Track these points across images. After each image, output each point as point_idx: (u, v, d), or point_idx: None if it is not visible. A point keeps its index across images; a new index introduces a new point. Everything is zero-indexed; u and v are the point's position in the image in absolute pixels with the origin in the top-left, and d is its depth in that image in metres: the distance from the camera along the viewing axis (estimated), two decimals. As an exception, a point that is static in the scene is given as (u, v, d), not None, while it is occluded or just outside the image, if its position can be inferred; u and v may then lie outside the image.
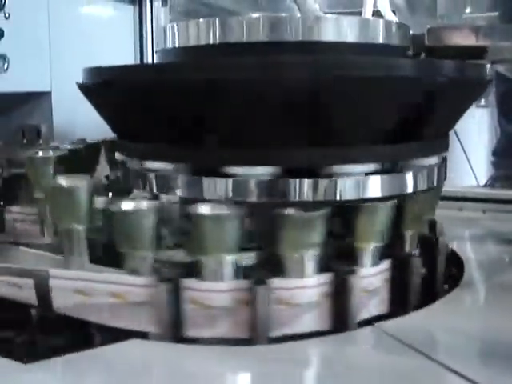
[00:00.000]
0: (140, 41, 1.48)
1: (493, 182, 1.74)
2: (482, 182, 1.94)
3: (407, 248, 0.67)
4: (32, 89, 1.33)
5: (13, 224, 0.86)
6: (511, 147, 1.81)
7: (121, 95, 0.65)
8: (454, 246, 0.87)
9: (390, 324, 0.62)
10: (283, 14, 0.65)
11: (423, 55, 0.83)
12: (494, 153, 1.93)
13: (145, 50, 1.48)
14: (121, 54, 1.49)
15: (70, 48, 1.33)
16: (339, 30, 0.64)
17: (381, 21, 0.70)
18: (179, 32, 0.70)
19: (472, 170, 2.19)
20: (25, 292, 0.65)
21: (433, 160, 0.69)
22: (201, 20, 0.67)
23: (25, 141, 1.16)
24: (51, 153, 0.84)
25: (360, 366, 0.55)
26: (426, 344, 0.57)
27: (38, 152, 0.87)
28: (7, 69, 1.26)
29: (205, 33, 0.67)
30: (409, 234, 0.67)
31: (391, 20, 0.89)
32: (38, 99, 1.37)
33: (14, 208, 0.86)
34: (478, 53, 0.82)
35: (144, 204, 0.60)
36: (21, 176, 0.92)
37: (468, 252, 0.91)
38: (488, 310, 0.69)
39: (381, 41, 0.67)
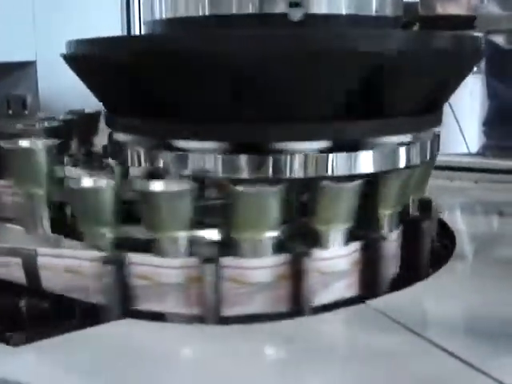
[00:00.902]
0: (127, 12, 1.44)
1: (484, 151, 1.73)
2: (474, 150, 1.93)
3: (384, 229, 0.64)
4: (16, 59, 1.30)
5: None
6: (500, 117, 1.80)
7: (106, 69, 0.64)
8: (445, 216, 0.87)
9: (381, 301, 0.61)
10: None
11: (417, 25, 0.82)
12: (485, 123, 1.92)
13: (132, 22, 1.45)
14: (108, 23, 1.46)
15: (56, 17, 1.30)
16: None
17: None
18: (167, 3, 0.68)
19: (464, 138, 2.19)
20: (13, 271, 0.65)
21: (402, 138, 0.66)
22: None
23: (10, 111, 1.15)
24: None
25: (348, 343, 0.55)
26: (416, 321, 0.57)
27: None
28: (-10, 39, 1.23)
29: (193, 4, 0.65)
30: (384, 215, 0.64)
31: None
32: (22, 69, 1.34)
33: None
34: (470, 22, 0.80)
35: (103, 182, 0.59)
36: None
37: (459, 224, 0.90)
38: (480, 285, 0.69)
39: (373, 12, 0.65)
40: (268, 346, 0.55)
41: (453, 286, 0.67)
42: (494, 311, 0.60)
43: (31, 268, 0.63)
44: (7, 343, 0.54)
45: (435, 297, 0.64)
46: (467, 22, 0.78)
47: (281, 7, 0.62)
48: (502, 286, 0.65)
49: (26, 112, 1.13)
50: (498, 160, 1.31)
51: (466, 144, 2.14)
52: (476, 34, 0.79)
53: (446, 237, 0.82)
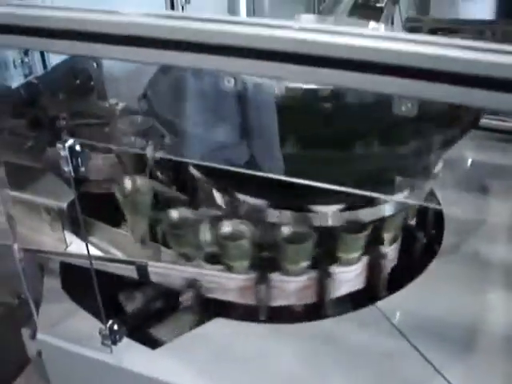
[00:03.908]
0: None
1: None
2: None
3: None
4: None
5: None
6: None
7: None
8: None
9: (386, 303, 0.91)
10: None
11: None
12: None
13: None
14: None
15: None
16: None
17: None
18: None
19: None
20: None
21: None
22: None
23: (77, 81, 1.33)
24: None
25: (352, 344, 0.86)
26: (410, 325, 0.87)
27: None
28: None
29: None
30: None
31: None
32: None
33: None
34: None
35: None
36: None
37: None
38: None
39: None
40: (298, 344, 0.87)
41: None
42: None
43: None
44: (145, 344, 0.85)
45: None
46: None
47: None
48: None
49: (92, 83, 1.33)
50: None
51: None
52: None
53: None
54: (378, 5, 1.29)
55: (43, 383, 1.40)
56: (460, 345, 0.84)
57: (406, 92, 0.51)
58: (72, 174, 0.68)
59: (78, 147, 0.67)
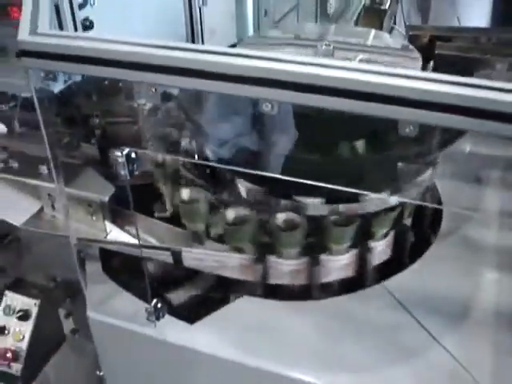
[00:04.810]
0: None
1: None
2: None
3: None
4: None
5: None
6: None
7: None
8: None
9: (393, 282, 1.05)
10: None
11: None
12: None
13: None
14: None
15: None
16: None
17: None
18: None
19: None
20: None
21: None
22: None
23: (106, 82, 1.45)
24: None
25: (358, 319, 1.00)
26: (415, 302, 1.01)
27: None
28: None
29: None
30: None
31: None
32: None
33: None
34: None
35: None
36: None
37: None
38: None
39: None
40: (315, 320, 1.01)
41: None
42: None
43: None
44: (186, 321, 0.99)
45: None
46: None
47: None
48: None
49: (120, 84, 1.45)
50: None
51: None
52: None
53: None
54: (383, 7, 1.43)
55: (77, 358, 1.54)
56: (455, 317, 0.98)
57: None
58: (128, 177, 0.81)
59: (133, 154, 0.80)
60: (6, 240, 1.48)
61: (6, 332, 1.36)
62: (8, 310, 1.37)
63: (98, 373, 1.36)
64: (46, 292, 1.42)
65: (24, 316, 1.36)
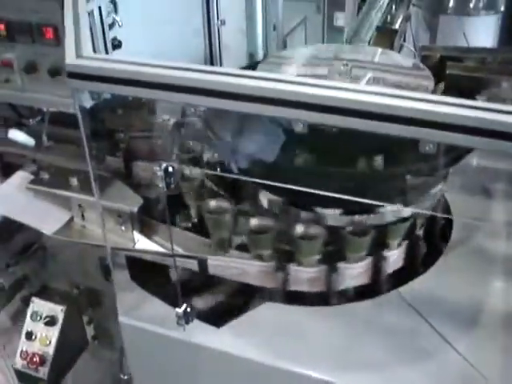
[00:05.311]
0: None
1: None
2: None
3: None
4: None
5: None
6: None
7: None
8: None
9: (407, 289, 1.11)
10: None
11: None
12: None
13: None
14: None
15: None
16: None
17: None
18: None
19: None
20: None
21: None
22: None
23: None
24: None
25: (374, 323, 1.07)
26: (428, 308, 1.08)
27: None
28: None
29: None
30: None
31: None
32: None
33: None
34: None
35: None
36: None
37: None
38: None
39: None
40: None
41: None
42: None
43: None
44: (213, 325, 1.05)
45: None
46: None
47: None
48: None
49: (143, 100, 1.51)
50: None
51: None
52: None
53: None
54: (393, 27, 1.51)
55: (98, 363, 1.60)
56: (466, 322, 1.04)
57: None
58: (165, 189, 0.88)
59: (170, 169, 0.87)
60: (32, 248, 1.55)
61: (34, 337, 1.42)
62: (35, 316, 1.43)
63: (122, 376, 1.43)
64: (70, 299, 1.48)
65: (51, 322, 1.42)
